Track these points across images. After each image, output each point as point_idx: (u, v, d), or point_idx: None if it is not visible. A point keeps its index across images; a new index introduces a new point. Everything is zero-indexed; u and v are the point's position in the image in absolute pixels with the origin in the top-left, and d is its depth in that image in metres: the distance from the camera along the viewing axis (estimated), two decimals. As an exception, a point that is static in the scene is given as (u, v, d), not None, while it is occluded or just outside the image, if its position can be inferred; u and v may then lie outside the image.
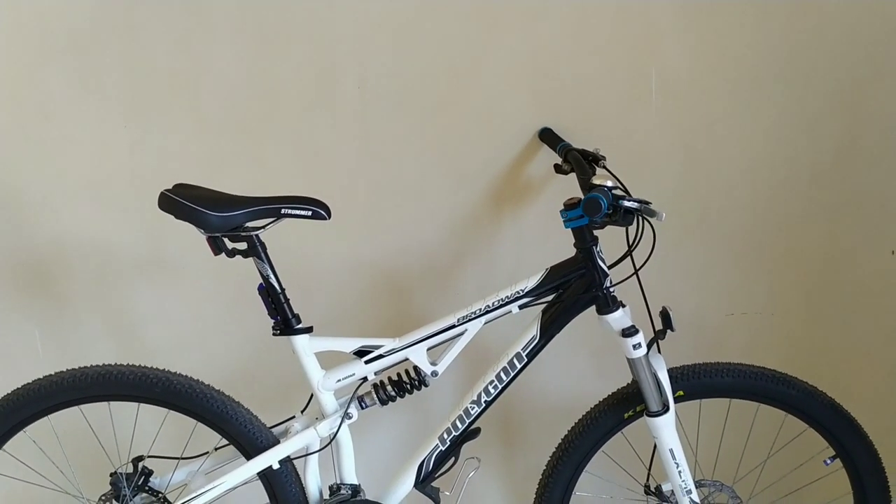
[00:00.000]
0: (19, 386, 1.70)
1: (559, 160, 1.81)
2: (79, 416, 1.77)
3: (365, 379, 1.70)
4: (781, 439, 1.86)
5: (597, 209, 1.36)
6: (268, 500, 1.77)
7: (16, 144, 2.00)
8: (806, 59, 1.91)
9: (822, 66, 1.92)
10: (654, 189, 1.96)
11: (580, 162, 1.68)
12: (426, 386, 1.71)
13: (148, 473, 1.77)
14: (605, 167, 1.74)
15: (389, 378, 1.72)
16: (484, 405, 1.71)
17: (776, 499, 1.95)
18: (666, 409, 1.65)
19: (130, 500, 1.74)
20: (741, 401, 1.75)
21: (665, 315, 1.65)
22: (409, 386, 1.71)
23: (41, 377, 1.70)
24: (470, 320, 1.66)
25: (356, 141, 1.98)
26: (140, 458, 1.77)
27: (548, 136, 1.92)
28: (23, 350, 2.14)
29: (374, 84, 1.95)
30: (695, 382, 1.71)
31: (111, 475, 1.75)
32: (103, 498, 1.77)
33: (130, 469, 1.76)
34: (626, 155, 1.94)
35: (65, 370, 1.70)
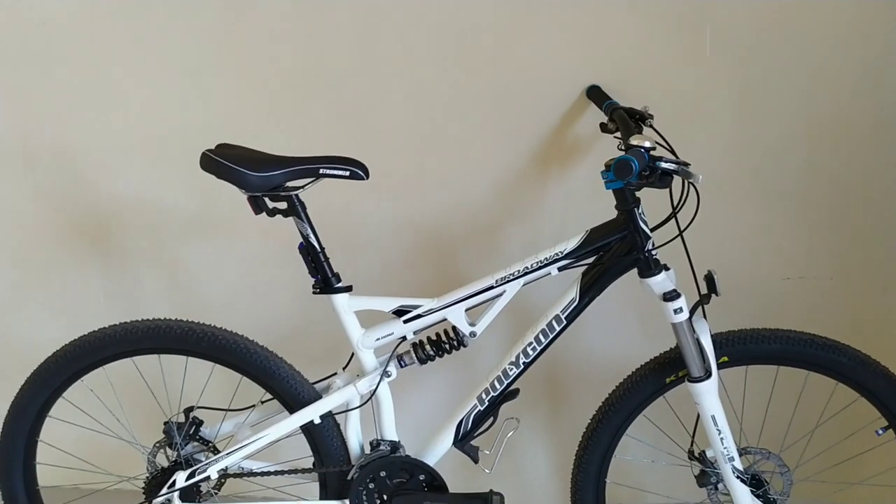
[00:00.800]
0: (76, 338, 1.79)
1: (606, 119, 1.77)
2: (133, 368, 1.85)
3: (404, 338, 1.72)
4: (831, 408, 1.80)
5: (627, 171, 1.32)
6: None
7: (73, 106, 2.07)
8: (870, 11, 1.80)
9: (886, 17, 1.80)
10: (706, 148, 1.92)
11: (625, 121, 1.64)
12: (465, 346, 1.72)
13: (198, 423, 1.84)
14: (651, 126, 1.69)
15: (428, 338, 1.73)
16: (522, 367, 1.70)
17: (824, 468, 1.89)
18: (708, 374, 1.62)
19: (182, 448, 1.82)
20: (790, 368, 1.70)
21: (710, 279, 1.61)
22: (447, 346, 1.72)
23: (96, 330, 1.78)
24: (508, 281, 1.65)
25: (401, 100, 1.98)
26: (191, 409, 1.84)
27: (595, 94, 1.87)
28: (88, 303, 2.25)
29: (419, 43, 1.93)
30: (740, 348, 1.66)
31: (164, 424, 1.82)
32: (157, 445, 1.85)
33: (182, 419, 1.83)
34: (678, 113, 1.89)
35: (117, 323, 1.77)
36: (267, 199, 1.64)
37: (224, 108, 2.03)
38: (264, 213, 1.64)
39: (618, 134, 1.62)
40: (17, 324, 2.32)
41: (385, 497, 1.76)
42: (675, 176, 1.45)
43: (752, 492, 1.70)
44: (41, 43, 2.05)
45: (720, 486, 1.74)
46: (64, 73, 2.06)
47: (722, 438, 1.65)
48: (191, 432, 1.82)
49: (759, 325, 1.71)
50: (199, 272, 2.18)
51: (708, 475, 1.76)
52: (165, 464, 1.83)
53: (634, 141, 1.43)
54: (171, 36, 1.99)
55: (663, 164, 1.41)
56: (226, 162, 1.58)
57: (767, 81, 1.87)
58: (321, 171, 1.59)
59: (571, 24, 1.88)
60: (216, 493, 1.84)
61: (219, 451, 1.80)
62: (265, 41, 1.97)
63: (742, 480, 1.68)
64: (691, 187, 1.55)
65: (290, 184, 1.62)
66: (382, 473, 1.75)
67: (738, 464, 1.67)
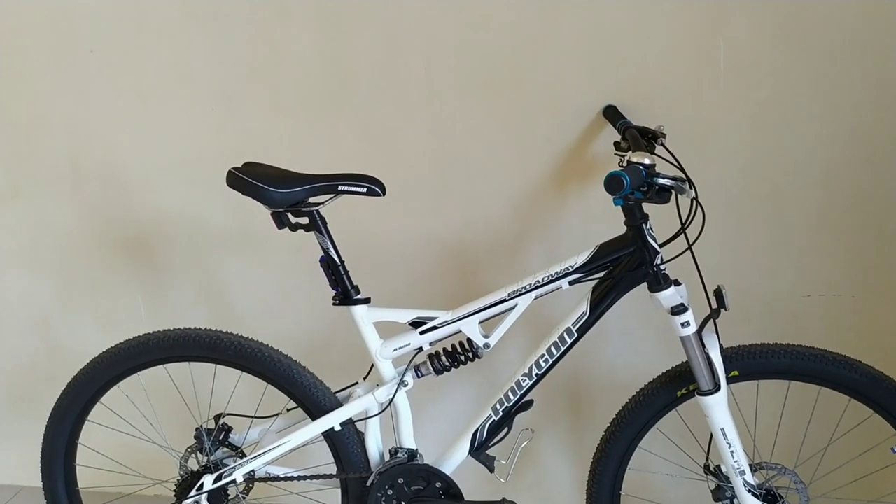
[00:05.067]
0: (111, 346, 1.89)
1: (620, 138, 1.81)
2: (166, 376, 1.95)
3: (420, 349, 1.78)
4: (846, 424, 1.80)
5: (619, 186, 1.36)
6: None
7: (117, 126, 2.20)
8: (885, 28, 1.81)
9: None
10: (721, 165, 1.94)
11: (637, 139, 1.68)
12: (479, 357, 1.76)
13: (228, 430, 1.92)
14: (663, 144, 1.73)
15: (444, 349, 1.78)
16: (535, 378, 1.74)
17: (842, 485, 1.88)
18: (717, 388, 1.64)
19: (212, 453, 1.90)
20: (802, 383, 1.70)
21: (719, 294, 1.62)
22: (462, 357, 1.77)
23: (130, 338, 1.88)
24: (520, 295, 1.70)
25: (424, 119, 2.05)
26: (220, 416, 1.92)
27: (611, 114, 1.91)
28: (129, 313, 2.37)
29: (441, 64, 2.00)
30: (750, 363, 1.68)
31: (196, 430, 1.91)
32: (189, 450, 1.93)
33: (213, 425, 1.92)
34: (693, 131, 1.92)
35: (150, 332, 1.87)
36: (289, 215, 1.72)
37: (256, 130, 2.13)
38: (287, 228, 1.73)
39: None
40: (64, 333, 2.45)
41: (403, 503, 1.82)
42: (673, 192, 1.49)
43: (765, 507, 1.70)
44: (91, 69, 2.18)
45: (735, 500, 1.75)
46: (111, 98, 2.19)
47: (732, 452, 1.66)
48: (220, 438, 1.90)
49: (780, 342, 1.72)
50: (234, 284, 2.28)
51: (723, 490, 1.77)
52: (196, 468, 1.92)
53: (634, 158, 1.47)
54: (208, 64, 2.10)
55: (660, 180, 1.45)
56: (250, 179, 1.66)
57: (784, 98, 1.88)
58: (340, 187, 1.67)
59: (589, 44, 1.92)
60: (244, 497, 1.91)
61: (246, 456, 1.88)
62: (294, 68, 2.06)
63: (754, 495, 1.69)
64: (698, 204, 1.58)
65: (310, 200, 1.70)
66: (400, 480, 1.81)
67: (749, 478, 1.68)
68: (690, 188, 1.53)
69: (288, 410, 1.91)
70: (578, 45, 1.93)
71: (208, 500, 1.85)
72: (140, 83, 2.16)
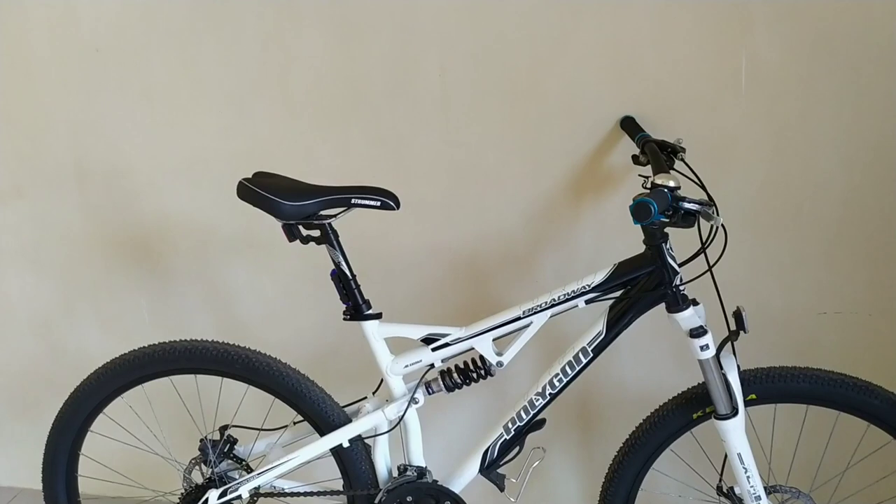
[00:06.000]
0: (117, 356, 1.85)
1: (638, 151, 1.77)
2: (170, 386, 1.91)
3: (432, 366, 1.74)
4: (864, 449, 1.77)
5: (646, 214, 1.32)
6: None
7: (123, 128, 2.16)
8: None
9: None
10: (741, 181, 1.90)
11: (656, 154, 1.63)
12: (492, 375, 1.73)
13: (233, 442, 1.88)
14: (682, 159, 1.69)
15: (456, 366, 1.75)
16: (549, 397, 1.71)
17: (857, 510, 1.86)
18: (735, 412, 1.60)
19: (216, 465, 1.87)
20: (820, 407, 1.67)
21: (738, 316, 1.59)
22: (474, 375, 1.73)
23: (135, 349, 1.84)
24: (535, 313, 1.66)
25: (437, 128, 2.01)
26: (226, 427, 1.89)
27: (629, 126, 1.87)
28: (132, 318, 2.33)
29: (456, 71, 1.96)
30: (769, 386, 1.65)
31: (200, 441, 1.87)
32: (193, 462, 1.90)
33: (217, 437, 1.88)
34: (712, 145, 1.88)
35: (156, 343, 1.84)
36: (301, 227, 1.68)
37: (265, 135, 2.09)
38: (298, 241, 1.69)
39: (648, 169, 1.62)
40: (66, 335, 2.42)
41: (411, 521, 1.79)
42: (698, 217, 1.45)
43: (779, 531, 1.68)
44: (96, 68, 2.14)
45: (748, 523, 1.73)
46: (116, 97, 2.15)
47: (748, 477, 1.64)
48: (225, 450, 1.87)
49: (794, 361, 1.69)
50: (239, 290, 2.25)
51: (736, 512, 1.75)
52: (200, 480, 1.88)
53: (659, 180, 1.43)
54: (217, 65, 2.06)
55: (686, 205, 1.41)
56: (261, 191, 1.62)
57: (806, 113, 1.85)
58: (353, 200, 1.63)
59: (607, 54, 1.88)
60: (248, 512, 1.89)
61: (252, 470, 1.84)
62: (306, 72, 2.02)
63: (769, 519, 1.66)
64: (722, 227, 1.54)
65: (323, 213, 1.66)
66: (409, 498, 1.78)
67: (764, 503, 1.65)
68: (716, 214, 1.48)
69: (295, 423, 1.87)
70: (597, 54, 1.89)
71: (213, 515, 1.82)
72: (147, 83, 2.12)
